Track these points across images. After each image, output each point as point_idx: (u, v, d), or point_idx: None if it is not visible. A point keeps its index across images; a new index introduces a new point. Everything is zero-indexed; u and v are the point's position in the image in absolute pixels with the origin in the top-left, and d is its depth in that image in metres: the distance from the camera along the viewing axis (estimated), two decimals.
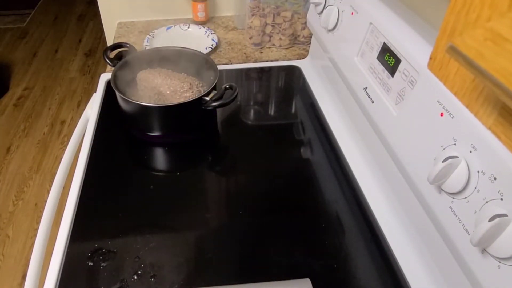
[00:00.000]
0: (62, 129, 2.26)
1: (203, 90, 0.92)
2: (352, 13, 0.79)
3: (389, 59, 0.66)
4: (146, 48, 1.15)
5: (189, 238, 0.70)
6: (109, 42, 1.42)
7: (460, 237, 0.49)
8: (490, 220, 0.41)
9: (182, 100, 0.90)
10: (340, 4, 0.84)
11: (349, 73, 0.80)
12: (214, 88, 0.88)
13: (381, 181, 0.76)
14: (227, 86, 0.88)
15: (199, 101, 0.85)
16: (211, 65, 0.94)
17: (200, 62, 0.96)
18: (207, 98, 0.86)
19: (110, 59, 0.94)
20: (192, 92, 0.93)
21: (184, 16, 1.37)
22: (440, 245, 0.56)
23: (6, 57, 2.97)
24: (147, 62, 0.97)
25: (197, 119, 0.92)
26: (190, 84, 0.94)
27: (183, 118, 0.89)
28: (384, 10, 0.72)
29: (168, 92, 0.92)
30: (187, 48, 0.98)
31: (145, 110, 0.87)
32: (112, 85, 0.86)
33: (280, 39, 1.20)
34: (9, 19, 3.41)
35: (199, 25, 1.30)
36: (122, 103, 0.90)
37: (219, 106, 0.85)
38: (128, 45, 0.98)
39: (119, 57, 0.95)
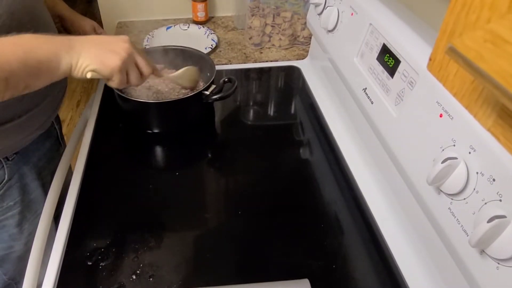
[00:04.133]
0: (61, 128, 2.25)
1: (202, 85, 0.93)
2: (352, 14, 0.79)
3: (388, 60, 0.66)
4: (146, 48, 1.15)
5: (188, 238, 0.69)
6: None
7: (459, 238, 0.49)
8: (489, 221, 0.41)
9: (181, 96, 0.90)
10: (340, 4, 0.84)
11: (348, 73, 0.80)
12: (212, 83, 0.89)
13: (380, 182, 0.76)
14: (226, 79, 0.89)
15: (199, 96, 0.86)
16: (207, 61, 0.95)
17: (195, 59, 0.97)
18: (207, 92, 0.87)
19: None
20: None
21: (184, 16, 1.37)
22: (439, 246, 0.56)
23: None
24: None
25: (197, 115, 0.93)
26: None
27: (184, 113, 0.90)
28: (384, 11, 0.72)
29: (166, 89, 0.92)
30: (181, 46, 0.99)
31: (146, 108, 0.87)
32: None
33: (280, 39, 1.20)
34: None
35: (199, 25, 1.30)
36: (122, 102, 0.90)
37: (220, 98, 0.86)
38: None
39: None
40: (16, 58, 0.54)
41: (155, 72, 0.75)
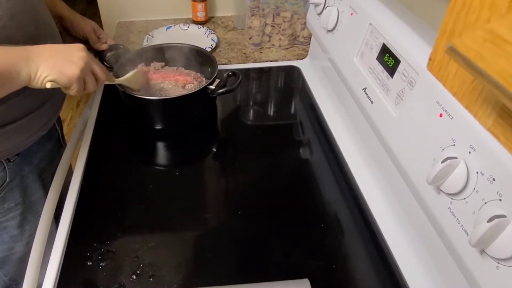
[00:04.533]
0: (63, 129, 2.24)
1: (204, 81, 0.93)
2: (351, 14, 0.79)
3: (388, 59, 0.66)
4: (147, 46, 1.15)
5: (188, 238, 0.69)
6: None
7: (459, 237, 0.49)
8: (489, 221, 0.41)
9: (186, 92, 0.90)
10: (339, 4, 0.84)
11: (348, 73, 0.80)
12: (216, 77, 0.89)
13: (380, 181, 0.76)
14: (230, 73, 0.89)
15: (204, 91, 0.86)
16: (208, 57, 0.95)
17: (196, 56, 0.97)
18: (212, 87, 0.87)
19: (107, 60, 0.95)
20: (194, 84, 0.94)
21: (184, 16, 1.37)
22: (439, 246, 0.56)
23: None
24: (143, 60, 0.97)
25: (201, 112, 0.93)
26: (191, 77, 0.95)
27: (188, 110, 0.90)
28: (383, 10, 0.72)
29: (170, 86, 0.93)
30: (182, 44, 0.99)
31: (152, 105, 0.87)
32: (117, 85, 0.86)
33: (280, 39, 1.20)
34: None
35: (199, 25, 1.30)
36: (128, 101, 0.90)
37: (226, 92, 0.86)
38: (121, 47, 0.98)
39: (116, 57, 0.95)
40: None
41: (108, 78, 0.76)
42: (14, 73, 0.59)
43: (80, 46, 0.68)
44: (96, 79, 0.70)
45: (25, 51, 0.61)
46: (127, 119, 0.94)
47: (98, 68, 0.70)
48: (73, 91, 0.67)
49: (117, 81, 0.84)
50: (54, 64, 0.62)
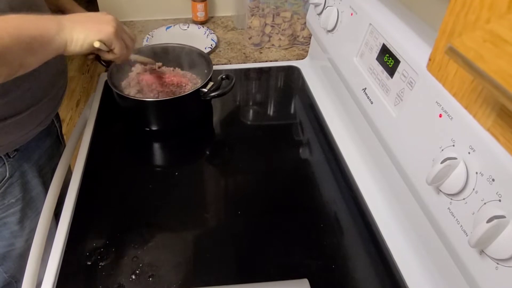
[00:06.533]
0: (62, 127, 2.23)
1: (200, 83, 0.93)
2: (351, 14, 0.79)
3: (388, 60, 0.66)
4: (145, 45, 1.15)
5: (187, 238, 0.69)
6: None
7: (458, 238, 0.49)
8: (488, 222, 0.41)
9: (180, 93, 0.90)
10: (339, 4, 0.84)
11: (348, 73, 0.80)
12: (210, 80, 0.89)
13: (379, 182, 0.76)
14: (224, 76, 0.89)
15: (197, 93, 0.86)
16: (204, 59, 0.95)
17: (193, 57, 0.97)
18: (205, 90, 0.87)
19: (104, 60, 0.95)
20: (188, 85, 0.94)
21: (184, 16, 1.37)
22: (438, 246, 0.56)
23: None
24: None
25: (195, 113, 0.93)
26: (187, 78, 0.95)
27: (183, 111, 0.90)
28: (383, 11, 0.72)
29: (167, 90, 0.93)
30: (179, 44, 0.99)
31: (145, 106, 0.87)
32: (110, 84, 0.86)
33: (280, 39, 1.20)
34: None
35: (199, 25, 1.30)
36: (121, 101, 0.90)
37: (218, 95, 0.86)
38: None
39: None
40: (7, 34, 0.55)
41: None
42: (46, 37, 0.59)
43: (104, 12, 0.70)
44: (130, 37, 0.72)
45: (55, 17, 0.62)
46: (123, 120, 0.94)
47: (127, 29, 0.73)
48: (116, 49, 0.68)
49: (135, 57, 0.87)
50: (89, 26, 0.63)
